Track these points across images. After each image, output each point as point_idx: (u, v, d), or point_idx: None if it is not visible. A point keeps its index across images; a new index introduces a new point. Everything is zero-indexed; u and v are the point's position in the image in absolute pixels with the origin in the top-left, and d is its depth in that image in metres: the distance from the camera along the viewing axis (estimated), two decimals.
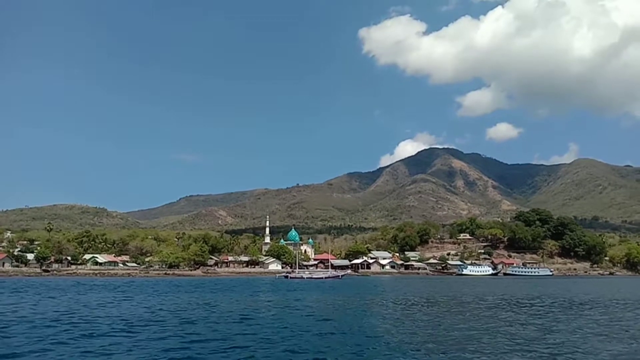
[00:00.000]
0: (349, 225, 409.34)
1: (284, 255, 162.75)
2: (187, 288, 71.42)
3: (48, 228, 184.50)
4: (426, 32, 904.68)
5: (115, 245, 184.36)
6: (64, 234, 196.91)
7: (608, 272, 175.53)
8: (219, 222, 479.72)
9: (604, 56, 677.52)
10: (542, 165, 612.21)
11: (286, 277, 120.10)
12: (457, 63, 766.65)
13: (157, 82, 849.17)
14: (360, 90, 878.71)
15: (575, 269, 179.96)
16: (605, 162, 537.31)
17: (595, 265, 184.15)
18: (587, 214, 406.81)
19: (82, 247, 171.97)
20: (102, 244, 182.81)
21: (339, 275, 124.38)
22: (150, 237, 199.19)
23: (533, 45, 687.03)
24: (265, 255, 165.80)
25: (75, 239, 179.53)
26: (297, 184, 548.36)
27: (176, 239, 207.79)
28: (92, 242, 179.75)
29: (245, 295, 56.12)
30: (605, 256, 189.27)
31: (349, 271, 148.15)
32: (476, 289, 77.16)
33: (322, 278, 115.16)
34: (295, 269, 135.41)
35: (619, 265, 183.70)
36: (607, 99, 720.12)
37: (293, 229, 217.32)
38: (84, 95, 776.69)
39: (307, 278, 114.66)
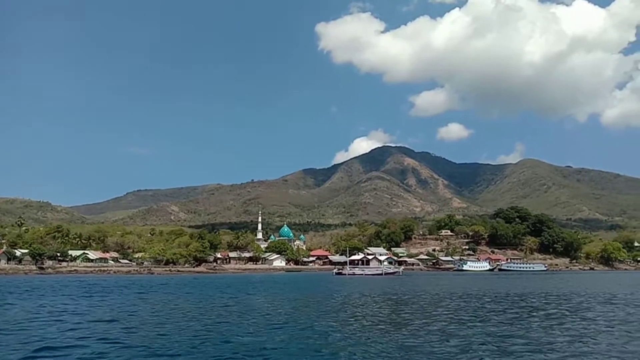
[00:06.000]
0: (307, 221, 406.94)
1: (284, 251, 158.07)
2: (294, 288, 66.10)
3: (19, 223, 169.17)
4: (384, 31, 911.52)
5: (91, 241, 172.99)
6: (26, 229, 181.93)
7: (588, 268, 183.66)
8: (172, 217, 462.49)
9: (552, 61, 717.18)
10: (489, 164, 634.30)
11: (340, 273, 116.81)
12: (412, 62, 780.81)
13: (101, 69, 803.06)
14: (315, 85, 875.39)
15: (557, 265, 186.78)
16: (549, 162, 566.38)
17: (575, 261, 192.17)
18: (535, 212, 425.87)
19: (56, 243, 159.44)
20: (77, 239, 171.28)
21: (398, 271, 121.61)
22: (127, 232, 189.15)
23: (487, 48, 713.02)
24: (267, 252, 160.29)
25: (47, 234, 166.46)
26: (252, 180, 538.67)
27: (150, 235, 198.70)
28: (66, 238, 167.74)
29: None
30: (581, 252, 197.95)
31: (402, 267, 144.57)
32: (513, 284, 76.27)
33: (380, 274, 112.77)
34: (346, 266, 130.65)
35: (594, 260, 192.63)
36: (552, 102, 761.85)
37: (285, 226, 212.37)
38: (25, 82, 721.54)
39: (364, 275, 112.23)
